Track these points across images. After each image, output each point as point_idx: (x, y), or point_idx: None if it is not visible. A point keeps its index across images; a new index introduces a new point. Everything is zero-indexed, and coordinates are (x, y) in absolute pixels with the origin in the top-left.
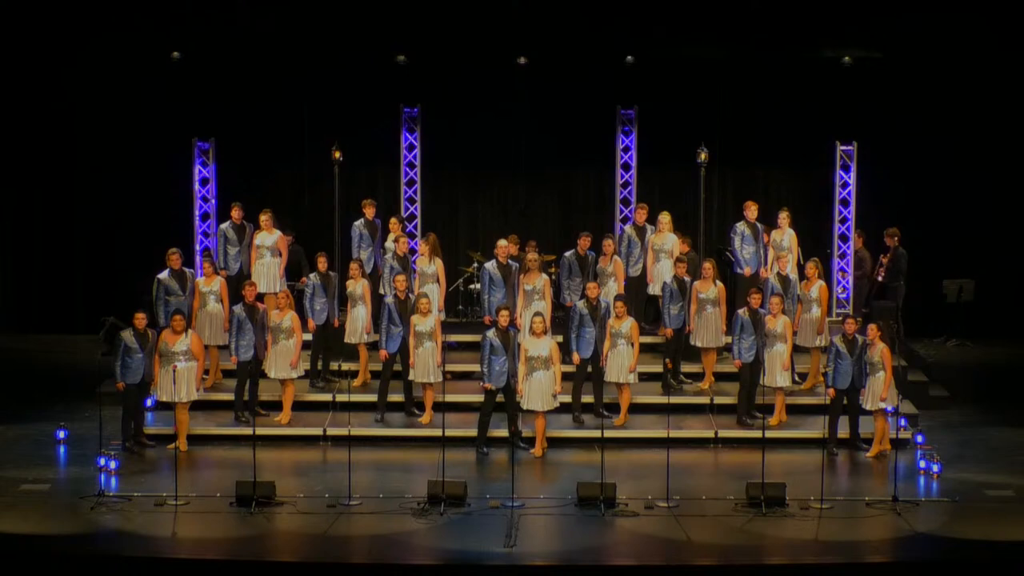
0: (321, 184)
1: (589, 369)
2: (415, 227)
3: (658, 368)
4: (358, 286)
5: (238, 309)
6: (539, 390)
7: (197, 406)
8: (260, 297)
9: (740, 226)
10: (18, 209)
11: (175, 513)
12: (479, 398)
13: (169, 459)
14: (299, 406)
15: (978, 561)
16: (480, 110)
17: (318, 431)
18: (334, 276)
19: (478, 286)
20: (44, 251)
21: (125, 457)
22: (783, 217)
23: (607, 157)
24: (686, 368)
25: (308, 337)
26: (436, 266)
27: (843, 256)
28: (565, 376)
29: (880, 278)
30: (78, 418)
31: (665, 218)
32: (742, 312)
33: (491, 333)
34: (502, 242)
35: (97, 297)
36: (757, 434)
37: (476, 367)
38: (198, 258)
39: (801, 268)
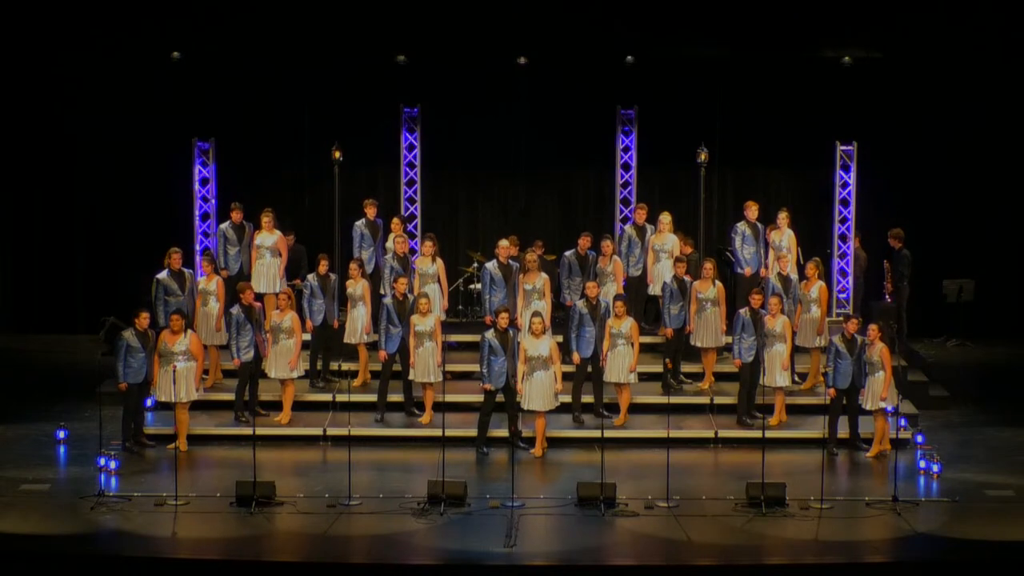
0: (321, 184)
1: (589, 369)
2: (415, 227)
3: (658, 368)
4: (358, 286)
5: (236, 310)
6: (539, 390)
7: (197, 406)
8: (259, 297)
9: (741, 226)
10: (18, 209)
11: (175, 513)
12: (479, 398)
13: (169, 459)
14: (299, 406)
15: (978, 561)
16: (480, 110)
17: (318, 431)
18: (333, 277)
19: (478, 286)
20: (44, 251)
21: (125, 457)
22: (782, 217)
23: (607, 157)
24: (686, 368)
25: (308, 337)
26: (437, 266)
27: (843, 256)
28: (565, 376)
29: (888, 296)
30: (78, 418)
31: (666, 218)
32: (743, 312)
33: (489, 334)
34: (503, 242)
35: (97, 297)
36: (757, 434)
37: (476, 367)
38: (198, 258)
39: (801, 268)
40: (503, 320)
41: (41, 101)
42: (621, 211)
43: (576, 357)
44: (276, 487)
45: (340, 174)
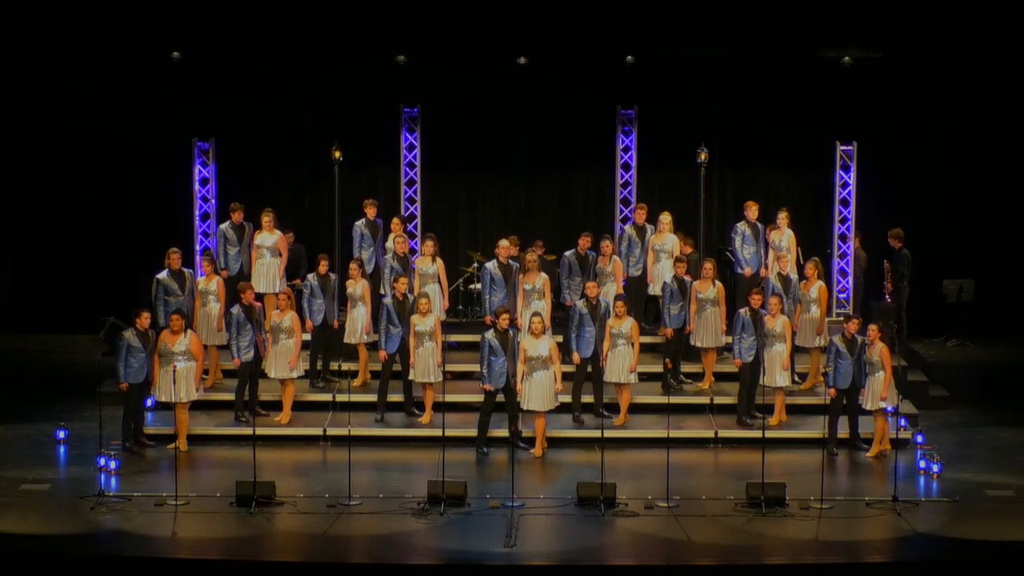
0: (321, 184)
1: (589, 369)
2: (415, 227)
3: (658, 368)
4: (358, 286)
5: (236, 310)
6: (539, 390)
7: (197, 406)
8: (259, 297)
9: (741, 226)
10: (18, 209)
11: (175, 513)
12: (479, 398)
13: (169, 459)
14: (299, 406)
15: (978, 561)
16: (480, 110)
17: (318, 431)
18: (333, 277)
19: (478, 286)
20: (44, 251)
21: (125, 457)
22: (782, 217)
23: (607, 157)
24: (686, 368)
25: (308, 337)
26: (437, 266)
27: (843, 256)
28: (565, 376)
29: (888, 296)
30: (78, 418)
31: (666, 218)
32: (743, 312)
33: (489, 334)
34: (504, 242)
35: (97, 297)
36: (757, 434)
37: (476, 367)
38: (198, 258)
39: (800, 268)
40: (503, 321)
41: (41, 101)
42: (621, 211)
43: (576, 357)
44: (276, 487)
45: (340, 174)
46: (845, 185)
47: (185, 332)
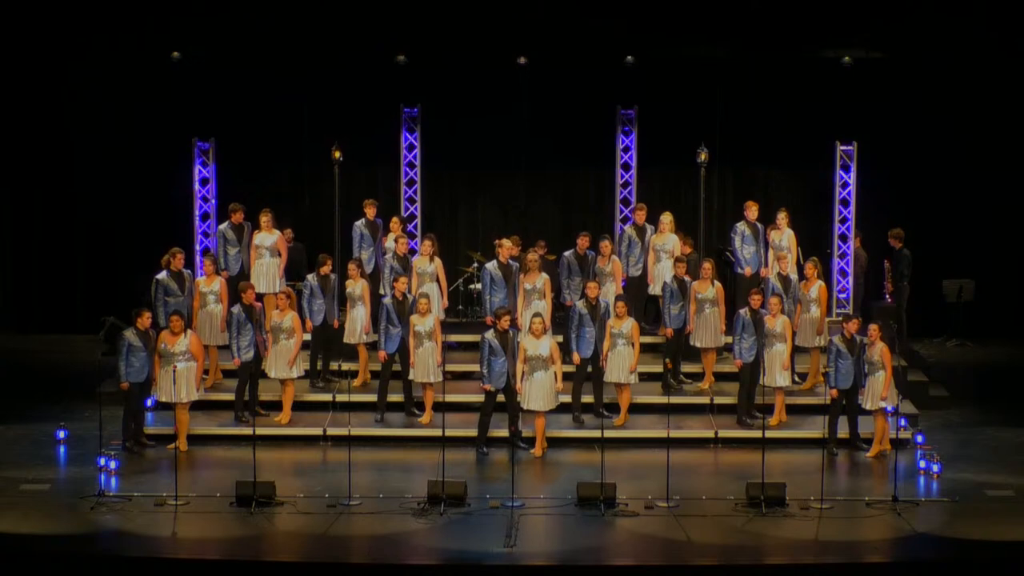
0: (321, 184)
1: (589, 369)
2: (415, 227)
3: (658, 368)
4: (357, 286)
5: (236, 310)
6: (539, 390)
7: (197, 406)
8: (260, 297)
9: (741, 226)
10: (18, 209)
11: (175, 513)
12: (479, 398)
13: (169, 459)
14: (299, 406)
15: (978, 561)
16: (480, 110)
17: (318, 431)
18: (333, 277)
19: (478, 286)
20: (44, 251)
21: (125, 457)
22: (782, 217)
23: (607, 157)
24: (686, 368)
25: (308, 337)
26: (436, 266)
27: (843, 256)
28: (565, 376)
29: (888, 296)
30: (78, 418)
31: (667, 218)
32: (744, 312)
33: (489, 335)
34: (505, 242)
35: (97, 297)
36: (757, 434)
37: (476, 367)
38: (198, 258)
39: (800, 268)
40: (504, 322)
41: (41, 101)
42: (621, 211)
43: (576, 357)
44: (276, 487)
45: (340, 174)
46: (845, 185)
47: (185, 332)
